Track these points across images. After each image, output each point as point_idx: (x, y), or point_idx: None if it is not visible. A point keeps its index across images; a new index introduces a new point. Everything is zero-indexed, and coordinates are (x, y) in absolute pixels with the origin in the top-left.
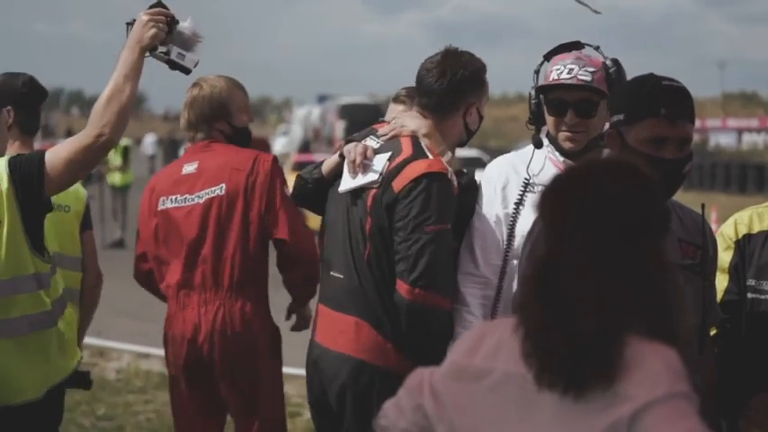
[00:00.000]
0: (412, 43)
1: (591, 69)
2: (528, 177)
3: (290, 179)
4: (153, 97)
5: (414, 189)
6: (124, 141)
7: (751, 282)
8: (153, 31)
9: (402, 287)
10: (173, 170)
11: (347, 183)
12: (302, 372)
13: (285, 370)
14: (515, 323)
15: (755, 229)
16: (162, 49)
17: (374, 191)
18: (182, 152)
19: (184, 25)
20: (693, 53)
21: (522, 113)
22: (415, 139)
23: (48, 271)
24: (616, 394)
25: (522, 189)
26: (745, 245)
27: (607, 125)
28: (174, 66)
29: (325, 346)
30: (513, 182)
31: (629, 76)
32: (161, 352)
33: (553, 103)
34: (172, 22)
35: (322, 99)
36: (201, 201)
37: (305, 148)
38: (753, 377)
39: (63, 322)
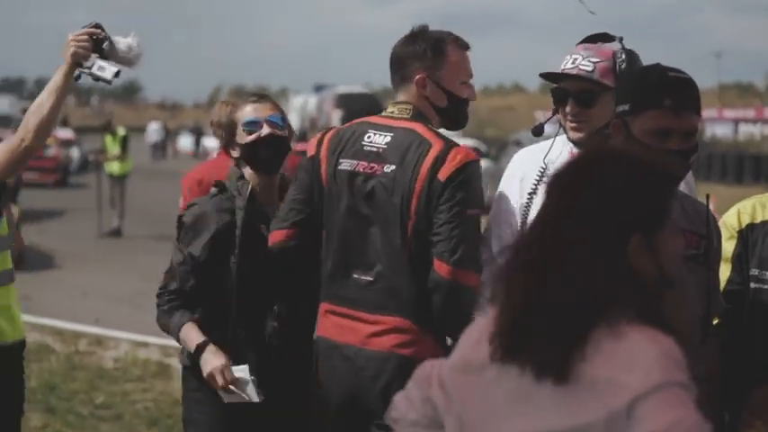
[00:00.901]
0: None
1: (595, 60)
2: (544, 166)
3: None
4: (147, 86)
5: (460, 175)
6: (122, 131)
7: (754, 271)
8: (71, 50)
9: (442, 267)
10: None
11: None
12: None
13: None
14: (491, 297)
15: (758, 219)
16: (86, 64)
17: (404, 192)
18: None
19: (121, 40)
20: (690, 44)
21: (518, 103)
22: (428, 126)
23: None
24: (611, 382)
25: (537, 179)
26: (748, 234)
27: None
28: (94, 78)
29: (360, 347)
30: (530, 173)
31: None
32: (159, 340)
33: (555, 93)
34: (99, 39)
35: (319, 88)
36: None
37: (302, 137)
38: (756, 367)
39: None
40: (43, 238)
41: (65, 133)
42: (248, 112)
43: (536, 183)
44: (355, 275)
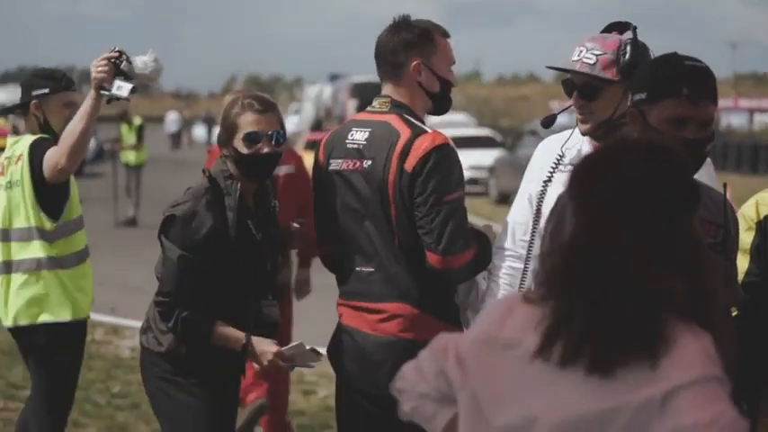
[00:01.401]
0: None
1: (598, 52)
2: (561, 154)
3: (304, 157)
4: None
5: (425, 165)
6: (138, 120)
7: None
8: (93, 76)
9: (433, 258)
10: None
11: None
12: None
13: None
14: (540, 303)
15: None
16: (107, 86)
17: (381, 185)
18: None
19: (138, 59)
20: (705, 34)
21: (533, 93)
22: (402, 117)
23: None
24: (650, 374)
25: (553, 167)
26: (767, 226)
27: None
28: (114, 98)
29: (367, 333)
30: (549, 161)
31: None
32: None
33: (564, 85)
34: (117, 61)
35: (334, 78)
36: None
37: (317, 126)
38: None
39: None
40: None
41: None
42: (250, 121)
43: (551, 171)
44: (358, 269)
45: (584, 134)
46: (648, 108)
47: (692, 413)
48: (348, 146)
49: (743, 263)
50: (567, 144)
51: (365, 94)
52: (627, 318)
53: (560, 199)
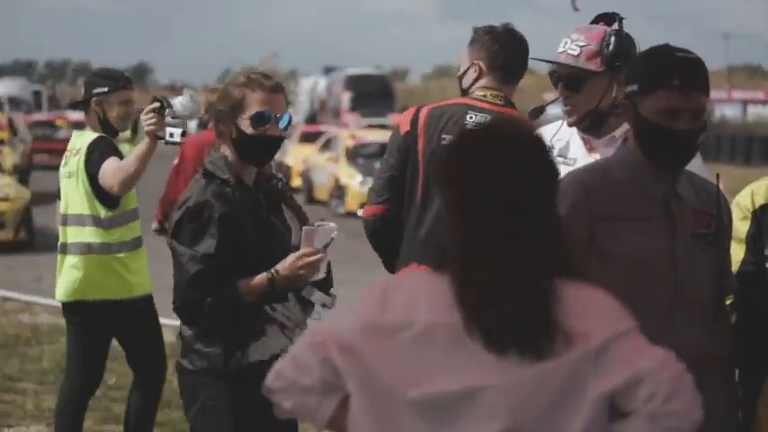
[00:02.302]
0: (418, 15)
1: (582, 43)
2: (550, 146)
3: (298, 150)
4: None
5: None
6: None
7: None
8: (146, 129)
9: None
10: None
11: None
12: None
13: None
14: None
15: None
16: (160, 133)
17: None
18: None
19: (176, 102)
20: (699, 25)
21: (528, 85)
22: (518, 114)
23: None
24: (568, 335)
25: None
26: (762, 215)
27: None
28: (172, 143)
29: None
30: None
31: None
32: (170, 321)
33: (551, 76)
34: (161, 107)
35: (328, 70)
36: None
37: (312, 119)
38: None
39: None
40: (55, 220)
41: (75, 115)
42: (259, 100)
43: None
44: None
45: (569, 125)
46: (640, 99)
47: (639, 358)
48: (469, 126)
49: (738, 252)
50: (557, 135)
51: (360, 87)
52: (516, 290)
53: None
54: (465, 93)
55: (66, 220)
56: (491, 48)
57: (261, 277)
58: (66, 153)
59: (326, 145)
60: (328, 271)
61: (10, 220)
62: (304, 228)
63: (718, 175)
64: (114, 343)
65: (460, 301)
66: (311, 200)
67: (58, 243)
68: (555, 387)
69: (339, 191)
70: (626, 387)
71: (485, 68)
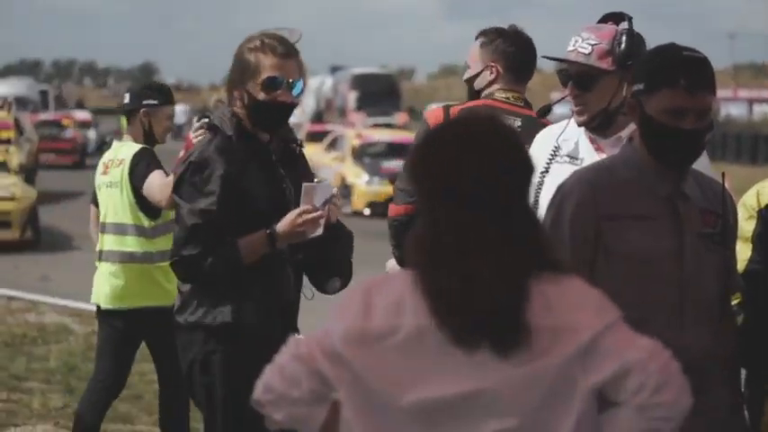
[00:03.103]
0: (424, 14)
1: (593, 42)
2: (557, 146)
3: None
4: (164, 68)
5: None
6: None
7: None
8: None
9: None
10: None
11: None
12: None
13: None
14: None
15: None
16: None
17: None
18: None
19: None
20: (704, 24)
21: (534, 84)
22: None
23: None
24: (555, 331)
25: (550, 157)
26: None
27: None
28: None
29: None
30: (546, 151)
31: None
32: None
33: (560, 75)
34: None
35: (335, 70)
36: None
37: (318, 118)
38: None
39: None
40: (61, 220)
41: (82, 115)
42: (272, 65)
43: (548, 161)
44: None
45: (579, 125)
46: (646, 99)
47: (627, 350)
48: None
49: (745, 251)
50: (563, 135)
51: (366, 86)
52: (494, 291)
53: (557, 192)
54: (477, 94)
55: (104, 228)
56: (507, 49)
57: (260, 235)
58: (107, 162)
59: (333, 144)
60: (348, 262)
61: (16, 220)
62: (304, 184)
63: (723, 174)
64: None
65: (428, 302)
66: None
67: (97, 249)
68: (547, 385)
69: (345, 190)
70: (614, 379)
71: (502, 70)
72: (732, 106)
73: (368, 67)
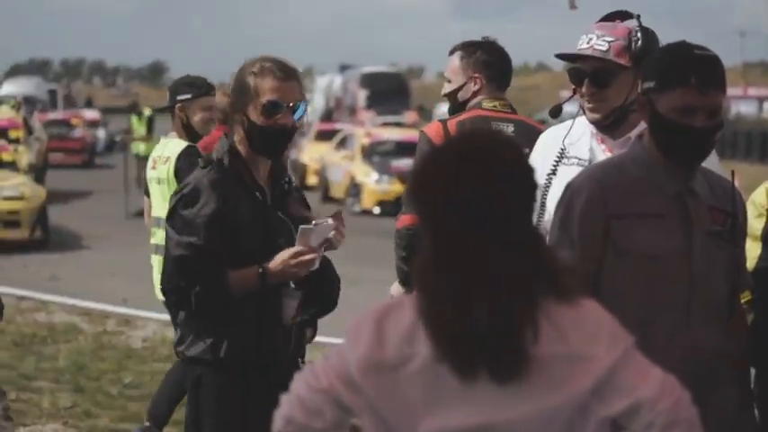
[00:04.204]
0: (433, 13)
1: (610, 39)
2: (563, 148)
3: (313, 148)
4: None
5: None
6: (148, 111)
7: None
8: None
9: None
10: None
11: None
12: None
13: None
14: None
15: None
16: None
17: None
18: None
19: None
20: (714, 22)
21: (542, 82)
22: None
23: None
24: (570, 361)
25: (557, 160)
26: None
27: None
28: None
29: None
30: (552, 153)
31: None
32: None
33: (572, 73)
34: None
35: (344, 68)
36: None
37: (327, 116)
38: None
39: None
40: (70, 219)
41: (91, 114)
42: (272, 88)
43: (555, 163)
44: None
45: (592, 122)
46: (657, 97)
47: (640, 387)
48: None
49: (754, 249)
50: (569, 136)
51: (375, 85)
52: (503, 319)
53: (566, 190)
54: (462, 106)
55: (159, 222)
56: (488, 60)
57: (251, 271)
58: (156, 158)
59: (342, 143)
60: (332, 270)
61: (26, 219)
62: (300, 227)
63: (733, 172)
64: (126, 341)
65: (428, 331)
66: (327, 198)
67: (152, 242)
68: (564, 417)
69: (355, 189)
70: (626, 413)
71: (485, 80)
72: (742, 104)
73: (377, 66)
